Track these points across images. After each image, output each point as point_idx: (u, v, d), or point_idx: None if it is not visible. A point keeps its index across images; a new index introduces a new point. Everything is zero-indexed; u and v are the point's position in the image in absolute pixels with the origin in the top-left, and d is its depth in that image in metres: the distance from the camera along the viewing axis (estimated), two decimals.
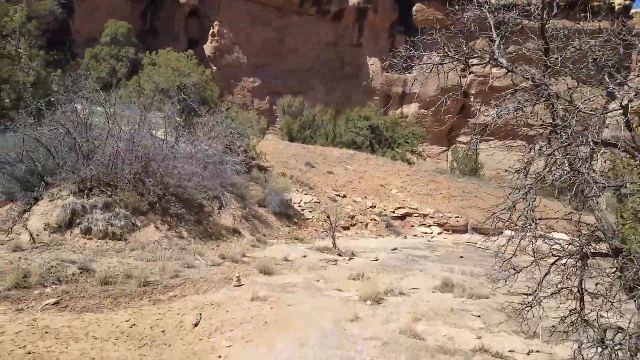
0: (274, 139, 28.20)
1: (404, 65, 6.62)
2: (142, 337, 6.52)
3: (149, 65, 17.16)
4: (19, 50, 13.70)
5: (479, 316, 7.53)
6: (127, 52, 32.57)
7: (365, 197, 19.14)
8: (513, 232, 4.52)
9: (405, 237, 17.02)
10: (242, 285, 9.17)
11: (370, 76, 64.24)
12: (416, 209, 19.79)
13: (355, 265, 11.44)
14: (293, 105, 32.46)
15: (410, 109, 59.44)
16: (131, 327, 6.86)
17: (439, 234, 18.92)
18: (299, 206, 16.37)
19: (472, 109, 68.19)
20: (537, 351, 6.24)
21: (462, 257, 13.62)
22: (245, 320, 7.23)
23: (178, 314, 7.48)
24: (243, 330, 6.87)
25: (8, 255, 9.45)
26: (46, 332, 6.46)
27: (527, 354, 6.19)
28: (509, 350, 6.21)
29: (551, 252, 4.62)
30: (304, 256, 11.95)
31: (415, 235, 17.93)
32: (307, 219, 15.93)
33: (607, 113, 4.57)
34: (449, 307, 7.97)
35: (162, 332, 6.76)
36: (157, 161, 12.64)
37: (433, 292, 9.36)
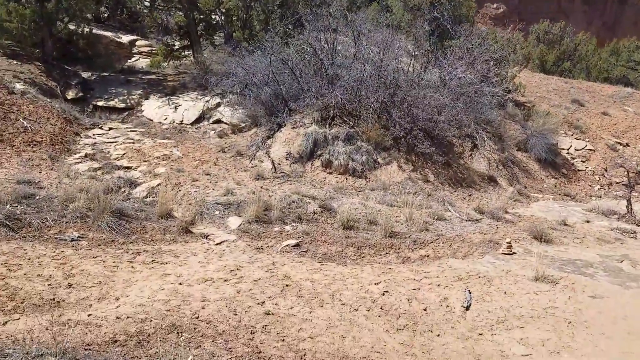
0: (524, 71, 24.21)
1: None
2: (399, 315, 4.94)
3: None
4: None
5: None
6: None
7: None
8: None
9: None
10: (513, 253, 7.01)
11: None
12: None
13: None
14: (551, 32, 27.24)
15: None
16: (383, 295, 5.35)
17: None
18: (568, 153, 13.09)
19: None
20: None
21: None
22: (536, 314, 5.11)
23: (438, 285, 5.73)
24: (539, 330, 4.78)
25: (251, 184, 8.89)
26: (286, 285, 5.34)
27: None
28: None
29: None
30: (587, 221, 9.11)
31: None
32: (579, 170, 12.63)
33: None
34: None
35: (424, 310, 5.09)
36: (404, 90, 10.87)
37: None
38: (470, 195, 10.00)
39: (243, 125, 11.45)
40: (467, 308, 5.18)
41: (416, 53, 12.09)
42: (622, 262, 7.06)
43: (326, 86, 10.77)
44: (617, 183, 12.75)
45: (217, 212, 7.41)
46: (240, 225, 7.06)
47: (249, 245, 6.61)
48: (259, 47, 11.79)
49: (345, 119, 10.80)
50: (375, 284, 5.65)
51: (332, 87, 10.67)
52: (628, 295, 5.78)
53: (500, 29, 44.89)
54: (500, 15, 44.68)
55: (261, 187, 8.62)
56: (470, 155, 11.24)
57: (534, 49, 29.21)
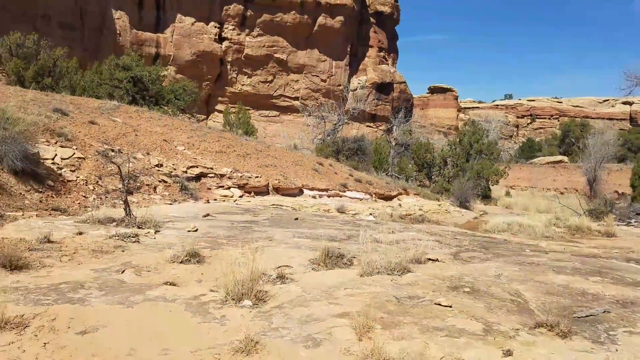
0: None
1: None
2: None
3: None
4: None
5: (450, 306, 4.45)
6: None
7: (148, 154, 14.45)
8: None
9: (208, 202, 13.19)
10: None
11: (118, 32, 56.30)
12: (211, 168, 15.99)
13: (170, 241, 7.28)
14: (25, 45, 24.46)
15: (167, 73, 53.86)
16: None
17: (240, 196, 15.56)
18: (54, 163, 10.94)
19: (229, 77, 66.24)
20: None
21: (297, 219, 10.54)
22: None
23: None
24: None
25: None
26: None
27: None
28: None
29: None
30: (80, 233, 7.23)
31: (215, 200, 14.22)
32: (70, 180, 10.68)
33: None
34: (388, 296, 4.69)
35: None
36: None
37: (315, 269, 6.01)
38: None
39: None
40: None
41: None
42: (123, 272, 5.50)
43: None
44: (114, 190, 11.59)
45: None
46: None
47: None
48: None
49: None
50: None
51: None
52: (134, 315, 4.17)
53: None
54: None
55: None
56: None
57: (8, 63, 25.80)
